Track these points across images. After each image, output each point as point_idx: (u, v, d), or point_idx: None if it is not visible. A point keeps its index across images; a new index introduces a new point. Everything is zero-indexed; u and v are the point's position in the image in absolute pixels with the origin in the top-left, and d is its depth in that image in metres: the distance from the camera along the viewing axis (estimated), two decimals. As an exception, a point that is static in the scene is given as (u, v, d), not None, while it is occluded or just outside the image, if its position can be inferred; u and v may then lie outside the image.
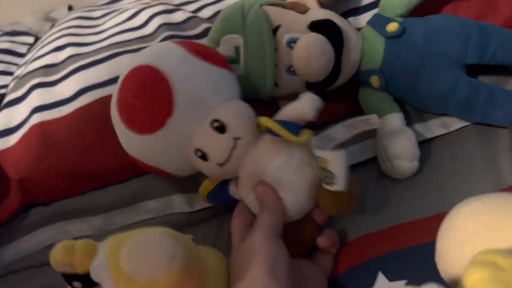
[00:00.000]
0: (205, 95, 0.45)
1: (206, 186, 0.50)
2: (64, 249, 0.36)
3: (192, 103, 0.44)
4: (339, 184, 0.41)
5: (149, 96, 0.43)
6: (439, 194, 0.50)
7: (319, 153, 0.41)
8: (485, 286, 0.25)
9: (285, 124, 0.42)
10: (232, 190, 0.49)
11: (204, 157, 0.45)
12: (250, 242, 0.41)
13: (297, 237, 0.47)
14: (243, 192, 0.46)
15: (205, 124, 0.44)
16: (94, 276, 0.34)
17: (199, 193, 0.51)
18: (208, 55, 0.48)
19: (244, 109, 0.46)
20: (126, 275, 0.32)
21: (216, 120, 0.43)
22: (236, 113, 0.45)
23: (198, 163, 0.46)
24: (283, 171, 0.44)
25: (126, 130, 0.45)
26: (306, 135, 0.42)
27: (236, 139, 0.44)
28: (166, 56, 0.46)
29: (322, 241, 0.46)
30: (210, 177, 0.50)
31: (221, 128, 0.43)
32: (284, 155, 0.44)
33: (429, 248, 0.44)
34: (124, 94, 0.45)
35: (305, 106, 0.43)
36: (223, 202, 0.52)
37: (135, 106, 0.44)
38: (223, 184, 0.49)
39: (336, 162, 0.41)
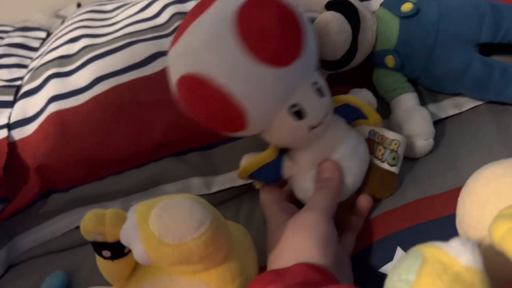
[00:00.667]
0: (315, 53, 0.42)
1: (262, 159, 0.46)
2: (95, 218, 0.36)
3: (313, 49, 0.41)
4: (398, 166, 0.48)
5: (290, 22, 0.38)
6: (454, 170, 0.51)
7: (396, 136, 0.47)
8: None
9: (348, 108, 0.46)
10: (288, 165, 0.46)
11: (298, 114, 0.41)
12: (305, 218, 0.41)
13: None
14: (303, 166, 0.46)
15: (309, 83, 0.41)
16: (124, 240, 0.34)
17: (248, 165, 0.46)
18: None
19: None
20: (156, 237, 0.32)
21: (316, 82, 0.42)
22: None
23: (285, 121, 0.41)
24: (349, 154, 0.45)
25: (252, 64, 0.36)
26: (378, 117, 0.47)
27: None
28: None
29: (364, 199, 0.48)
30: (280, 143, 0.46)
31: (320, 92, 0.42)
32: (352, 138, 0.46)
33: (446, 222, 0.45)
34: (258, 21, 0.36)
35: (369, 95, 0.49)
36: (268, 178, 0.48)
37: (277, 33, 0.37)
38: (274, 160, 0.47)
39: (403, 145, 0.47)
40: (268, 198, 0.47)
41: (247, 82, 0.37)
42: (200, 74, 0.36)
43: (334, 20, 0.48)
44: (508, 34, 0.52)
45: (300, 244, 0.39)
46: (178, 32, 0.39)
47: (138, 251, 0.33)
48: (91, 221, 0.36)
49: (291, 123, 0.41)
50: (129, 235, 0.33)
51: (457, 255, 0.23)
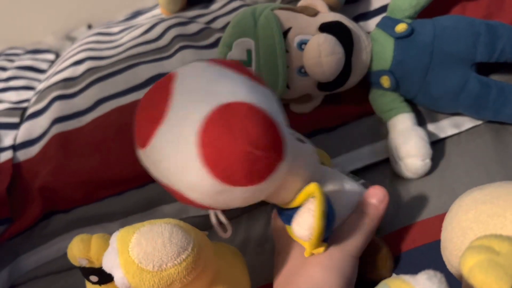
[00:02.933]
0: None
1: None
2: (80, 243, 0.36)
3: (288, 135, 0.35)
4: None
5: (267, 139, 0.32)
6: (451, 192, 0.50)
7: None
8: (481, 270, 0.24)
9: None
10: None
11: None
12: (333, 253, 0.39)
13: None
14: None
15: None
16: (105, 266, 0.34)
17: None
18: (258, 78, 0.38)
19: None
20: (135, 263, 0.32)
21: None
22: None
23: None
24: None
25: (224, 185, 0.32)
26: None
27: None
28: (242, 87, 0.33)
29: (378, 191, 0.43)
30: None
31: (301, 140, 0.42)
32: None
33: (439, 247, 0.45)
34: (228, 146, 0.31)
35: None
36: None
37: (251, 156, 0.31)
38: None
39: None
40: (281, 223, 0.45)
41: (216, 200, 0.34)
42: (167, 185, 0.35)
43: (326, 42, 0.48)
44: (504, 53, 0.51)
45: (321, 278, 0.38)
46: (140, 134, 0.34)
47: (118, 277, 0.33)
48: (77, 247, 0.36)
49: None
50: (109, 261, 0.33)
51: None
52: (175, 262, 0.32)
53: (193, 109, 0.31)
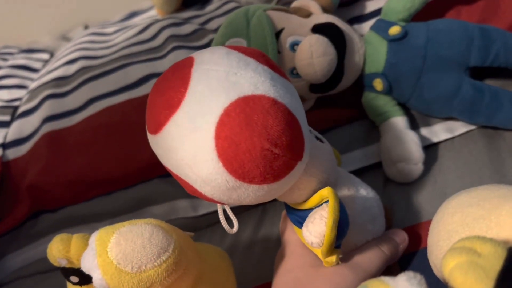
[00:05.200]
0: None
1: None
2: (60, 243, 0.35)
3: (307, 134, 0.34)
4: None
5: (287, 138, 0.31)
6: (444, 198, 0.48)
7: None
8: (461, 272, 0.24)
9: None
10: None
11: None
12: (343, 274, 0.38)
13: None
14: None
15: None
16: (84, 267, 0.33)
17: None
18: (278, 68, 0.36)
19: None
20: (114, 264, 0.31)
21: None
22: None
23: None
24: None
25: (238, 182, 0.31)
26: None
27: None
28: (264, 78, 0.31)
29: (401, 232, 0.44)
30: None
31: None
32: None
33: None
34: (246, 141, 0.29)
35: None
36: None
37: (270, 155, 0.30)
38: None
39: None
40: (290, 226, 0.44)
41: (229, 196, 0.32)
42: (177, 174, 0.33)
43: (318, 43, 0.48)
44: (498, 58, 0.51)
45: None
46: (154, 118, 0.32)
47: (96, 278, 0.32)
48: (56, 246, 0.35)
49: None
50: (87, 262, 0.33)
51: None
52: (155, 263, 0.32)
53: (212, 99, 0.29)
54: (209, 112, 0.29)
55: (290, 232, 0.43)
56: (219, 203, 0.35)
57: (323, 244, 0.34)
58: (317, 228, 0.34)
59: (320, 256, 0.36)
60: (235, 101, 0.29)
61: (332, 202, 0.34)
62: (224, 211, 0.40)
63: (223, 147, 0.29)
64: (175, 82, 0.31)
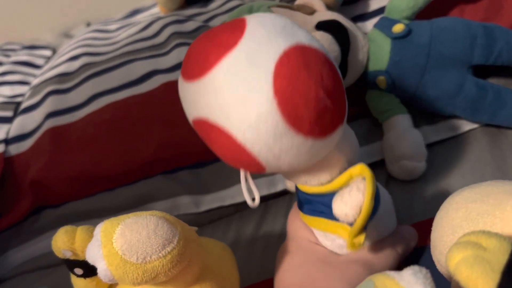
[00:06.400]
0: None
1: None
2: (65, 235, 0.36)
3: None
4: None
5: (338, 92, 0.32)
6: (446, 196, 0.49)
7: None
8: (467, 265, 0.24)
9: None
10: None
11: None
12: (351, 268, 0.37)
13: None
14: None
15: None
16: (89, 258, 0.33)
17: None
18: None
19: None
20: (119, 255, 0.31)
21: None
22: None
23: None
24: None
25: (297, 136, 0.31)
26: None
27: None
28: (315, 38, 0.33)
29: (411, 229, 0.44)
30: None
31: None
32: None
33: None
34: (304, 84, 0.30)
35: None
36: None
37: (323, 103, 0.30)
38: None
39: None
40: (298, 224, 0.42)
41: (270, 147, 0.31)
42: (215, 124, 0.31)
43: (322, 40, 0.48)
44: (501, 56, 0.51)
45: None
46: (201, 61, 0.31)
47: (101, 269, 0.32)
48: (61, 238, 0.35)
49: None
50: (92, 252, 0.33)
51: (408, 285, 0.22)
52: (160, 254, 0.32)
53: (271, 41, 0.30)
54: (269, 52, 0.29)
55: (297, 227, 0.42)
56: (248, 165, 0.33)
57: (359, 216, 0.32)
58: (354, 199, 0.32)
59: (347, 235, 0.34)
60: (294, 47, 0.30)
61: (368, 175, 0.33)
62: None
63: (281, 86, 0.29)
64: (229, 28, 0.31)
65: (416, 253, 0.45)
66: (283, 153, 0.31)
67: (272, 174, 0.51)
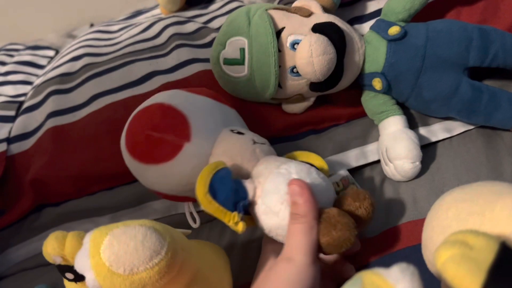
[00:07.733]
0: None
1: (214, 166, 0.40)
2: (55, 241, 0.36)
3: (205, 128, 0.46)
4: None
5: (166, 124, 0.45)
6: (440, 195, 0.49)
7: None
8: (454, 264, 0.24)
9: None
10: (249, 183, 0.43)
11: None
12: (283, 270, 0.37)
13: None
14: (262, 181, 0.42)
15: (227, 130, 0.47)
16: (77, 267, 0.34)
17: (202, 174, 0.39)
18: (211, 94, 0.51)
19: None
20: (106, 266, 0.32)
21: (233, 130, 0.47)
22: None
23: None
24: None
25: (142, 165, 0.46)
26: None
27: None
28: (170, 94, 0.49)
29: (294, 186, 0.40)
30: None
31: (240, 133, 0.46)
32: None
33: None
34: (137, 130, 0.47)
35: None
36: (228, 195, 0.41)
37: (152, 138, 0.45)
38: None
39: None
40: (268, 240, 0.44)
41: (141, 179, 0.50)
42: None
43: (318, 42, 0.48)
44: (497, 59, 0.51)
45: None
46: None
47: (89, 279, 0.32)
48: (51, 244, 0.35)
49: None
50: (81, 262, 0.33)
51: (395, 282, 0.23)
52: (147, 266, 0.32)
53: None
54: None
55: (267, 245, 0.45)
56: (160, 194, 0.50)
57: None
58: None
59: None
60: (140, 110, 0.49)
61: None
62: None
63: (127, 139, 0.47)
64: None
65: (408, 251, 0.46)
66: (148, 181, 0.49)
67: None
